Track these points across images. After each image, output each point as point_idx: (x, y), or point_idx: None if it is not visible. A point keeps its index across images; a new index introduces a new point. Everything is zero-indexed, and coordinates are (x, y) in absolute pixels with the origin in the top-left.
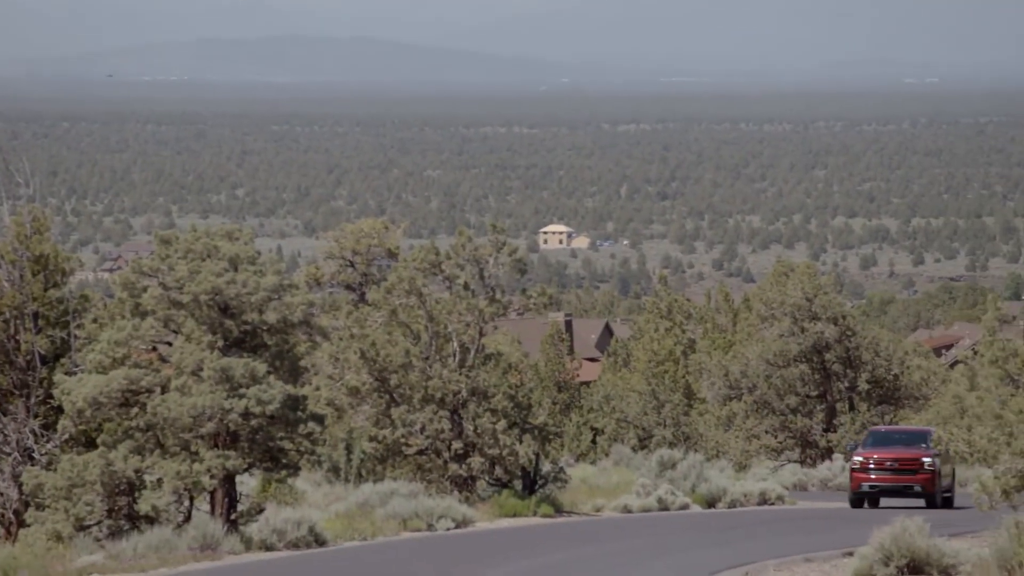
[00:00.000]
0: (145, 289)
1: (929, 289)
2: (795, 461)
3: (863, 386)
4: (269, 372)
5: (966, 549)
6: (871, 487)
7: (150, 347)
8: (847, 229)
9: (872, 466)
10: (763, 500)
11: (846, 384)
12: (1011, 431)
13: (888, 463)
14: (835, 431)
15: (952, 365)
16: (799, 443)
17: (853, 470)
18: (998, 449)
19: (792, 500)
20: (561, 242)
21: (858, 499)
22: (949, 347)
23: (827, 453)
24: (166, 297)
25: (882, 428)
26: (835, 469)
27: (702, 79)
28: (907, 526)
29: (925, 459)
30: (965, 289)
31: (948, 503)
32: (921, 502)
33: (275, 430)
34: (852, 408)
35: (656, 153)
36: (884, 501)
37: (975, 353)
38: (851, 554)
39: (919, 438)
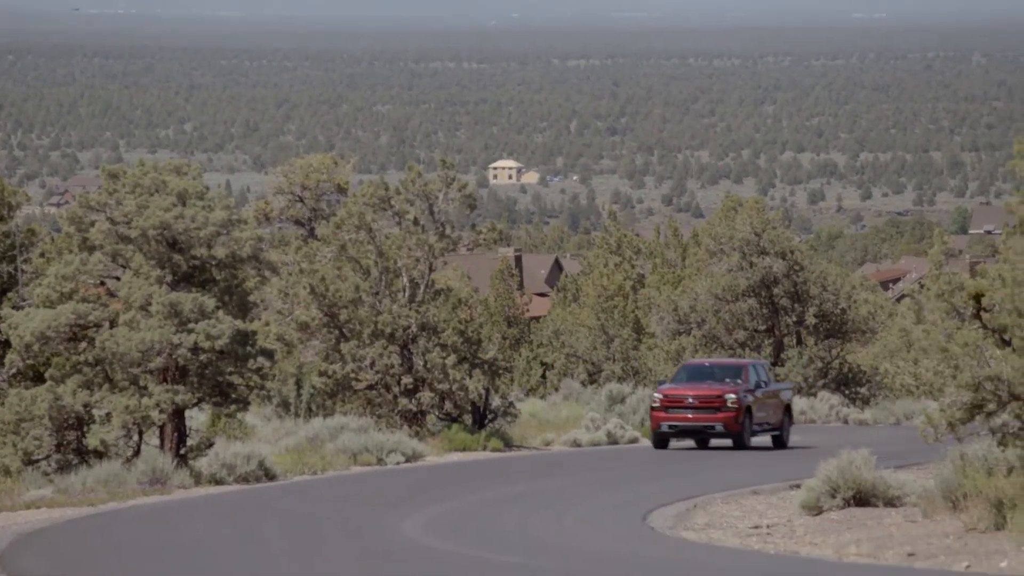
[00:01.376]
0: (93, 224)
1: (877, 224)
2: None
3: (811, 320)
4: (218, 307)
5: (912, 481)
6: (670, 427)
7: (98, 282)
8: (795, 164)
9: (671, 404)
10: None
11: (794, 318)
12: (956, 364)
13: (689, 400)
14: (783, 365)
15: (899, 299)
16: None
17: (652, 408)
18: (944, 382)
19: None
20: (511, 177)
21: (660, 440)
22: (896, 281)
23: None
24: (114, 232)
25: (695, 361)
26: None
27: (652, 14)
28: (853, 459)
29: (729, 396)
30: (912, 223)
31: (779, 442)
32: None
33: (224, 365)
34: (800, 342)
35: (606, 88)
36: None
37: (921, 287)
38: (798, 486)
39: (732, 372)
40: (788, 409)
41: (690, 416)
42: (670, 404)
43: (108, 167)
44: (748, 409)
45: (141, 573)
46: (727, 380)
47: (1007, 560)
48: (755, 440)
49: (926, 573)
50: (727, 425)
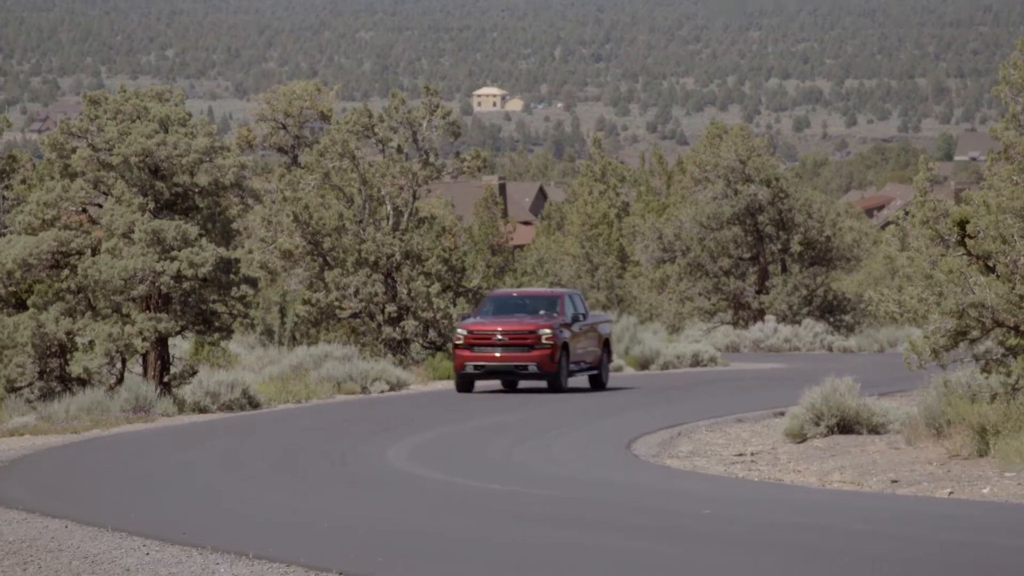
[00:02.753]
0: (74, 150)
1: (862, 150)
2: (728, 323)
3: (795, 248)
4: (201, 235)
5: (895, 408)
6: (476, 367)
7: (80, 209)
8: (781, 91)
9: (476, 341)
10: (696, 362)
11: (779, 246)
12: (941, 291)
13: (497, 337)
14: (767, 293)
15: (883, 226)
16: (732, 305)
17: (455, 347)
18: (928, 309)
19: (725, 362)
20: (495, 104)
21: (464, 382)
22: (881, 208)
23: (759, 315)
24: (96, 158)
25: (502, 292)
26: (767, 330)
27: None
28: (837, 386)
29: (543, 331)
30: (897, 150)
31: (598, 382)
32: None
33: (208, 293)
34: (784, 270)
35: (590, 14)
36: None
37: (906, 214)
38: (782, 414)
39: (546, 304)
40: (607, 345)
41: (498, 355)
42: (476, 341)
43: (89, 93)
44: (565, 346)
45: (124, 500)
46: (540, 313)
47: (989, 486)
48: (572, 381)
49: (909, 500)
50: (541, 365)
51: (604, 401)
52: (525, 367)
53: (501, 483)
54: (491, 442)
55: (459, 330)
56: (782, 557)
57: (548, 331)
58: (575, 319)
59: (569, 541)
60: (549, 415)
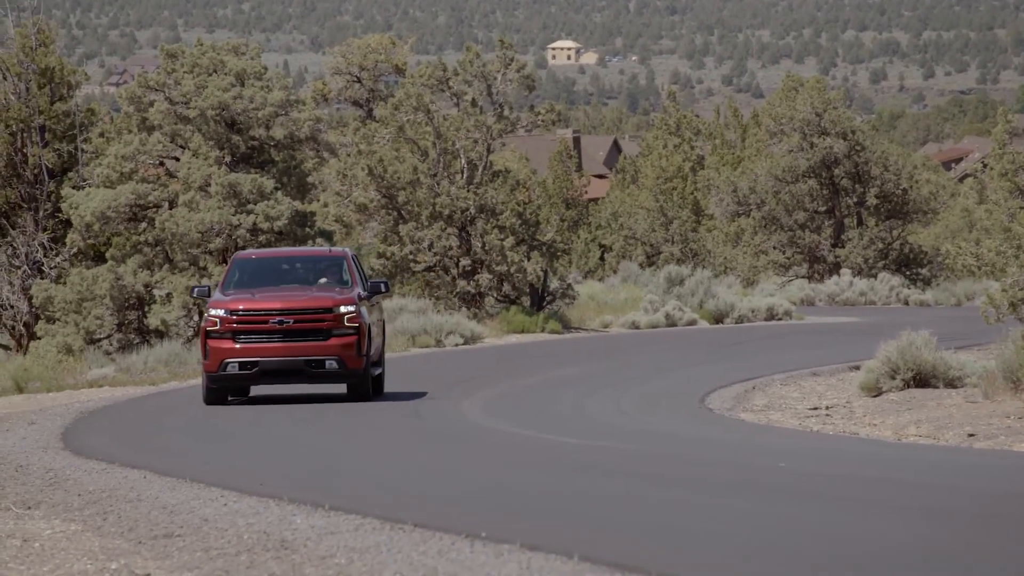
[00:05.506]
0: (152, 104)
1: (939, 103)
2: (803, 276)
3: (871, 201)
4: (277, 188)
5: (972, 361)
6: (245, 365)
7: (157, 162)
8: (857, 43)
9: (242, 326)
10: (770, 315)
11: (854, 199)
12: (1019, 244)
13: (276, 319)
14: (843, 246)
15: (961, 179)
16: (807, 258)
17: (208, 335)
18: (1006, 262)
19: (799, 315)
20: (569, 58)
21: (220, 389)
22: (958, 161)
23: (835, 268)
24: (172, 112)
25: (258, 253)
26: (843, 284)
27: None
28: (913, 339)
29: (343, 308)
30: (975, 102)
31: (378, 386)
32: (338, 387)
33: (283, 246)
34: (860, 223)
35: None
36: (270, 389)
37: (984, 166)
38: (858, 368)
39: (328, 268)
40: (383, 328)
41: (279, 345)
42: (242, 326)
43: (167, 47)
44: (369, 331)
45: (202, 451)
46: (322, 282)
47: None
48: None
49: (986, 453)
50: (345, 359)
51: (676, 354)
52: (320, 363)
53: (575, 436)
54: (563, 395)
55: (212, 311)
56: (857, 511)
57: (350, 308)
58: (373, 291)
59: (646, 495)
60: (620, 367)
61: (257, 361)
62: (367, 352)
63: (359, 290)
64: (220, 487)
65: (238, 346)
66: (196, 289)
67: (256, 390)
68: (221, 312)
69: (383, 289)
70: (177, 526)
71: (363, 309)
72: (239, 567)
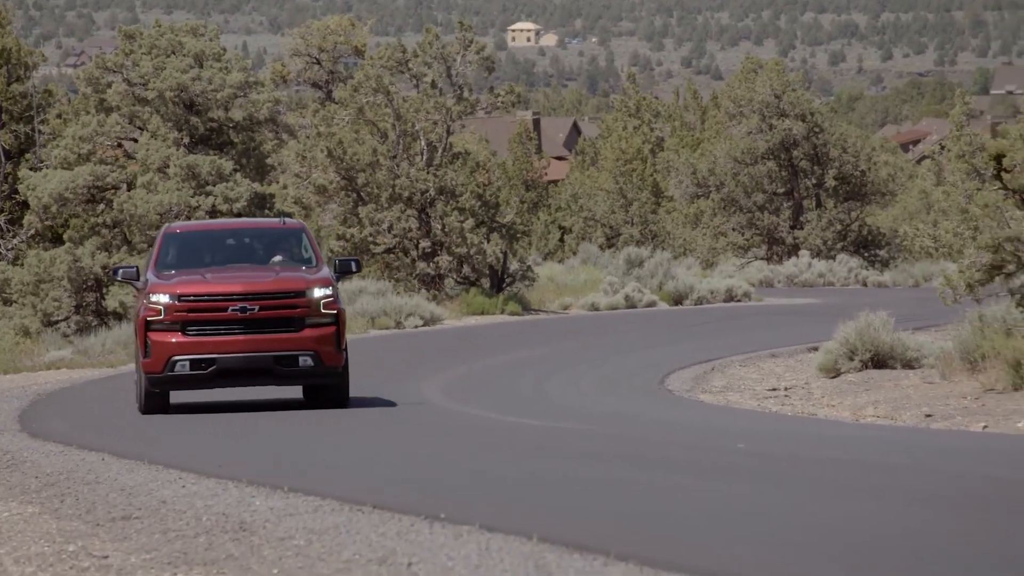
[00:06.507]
0: (109, 85)
1: (897, 85)
2: (761, 258)
3: (830, 183)
4: (236, 169)
5: (930, 342)
6: (197, 364)
7: (115, 143)
8: (816, 25)
9: (192, 314)
10: (729, 297)
11: (813, 181)
12: (976, 225)
13: (235, 306)
14: (802, 228)
15: (919, 161)
16: (766, 240)
17: (149, 327)
18: (963, 243)
19: (758, 297)
20: (529, 40)
21: (161, 396)
22: (916, 143)
23: (794, 250)
24: (131, 93)
25: (191, 227)
26: (801, 265)
27: None
28: (871, 321)
29: (318, 291)
30: (933, 84)
31: (344, 387)
32: (292, 391)
33: None
34: (819, 205)
35: None
36: (226, 392)
37: (942, 148)
38: (816, 349)
39: (285, 243)
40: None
41: (241, 338)
42: (192, 315)
43: (124, 28)
44: (345, 318)
45: (161, 433)
46: (277, 260)
47: None
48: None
49: (943, 434)
50: (322, 354)
51: (635, 335)
52: (292, 360)
53: (535, 418)
54: (524, 376)
55: (153, 296)
56: (816, 491)
57: (327, 292)
58: (343, 270)
59: (604, 476)
60: (580, 349)
61: (214, 358)
62: (344, 347)
63: (324, 269)
64: (178, 469)
65: (189, 339)
66: (120, 270)
67: (185, 397)
68: (165, 298)
69: (354, 269)
70: (135, 508)
71: (339, 293)
72: (197, 549)
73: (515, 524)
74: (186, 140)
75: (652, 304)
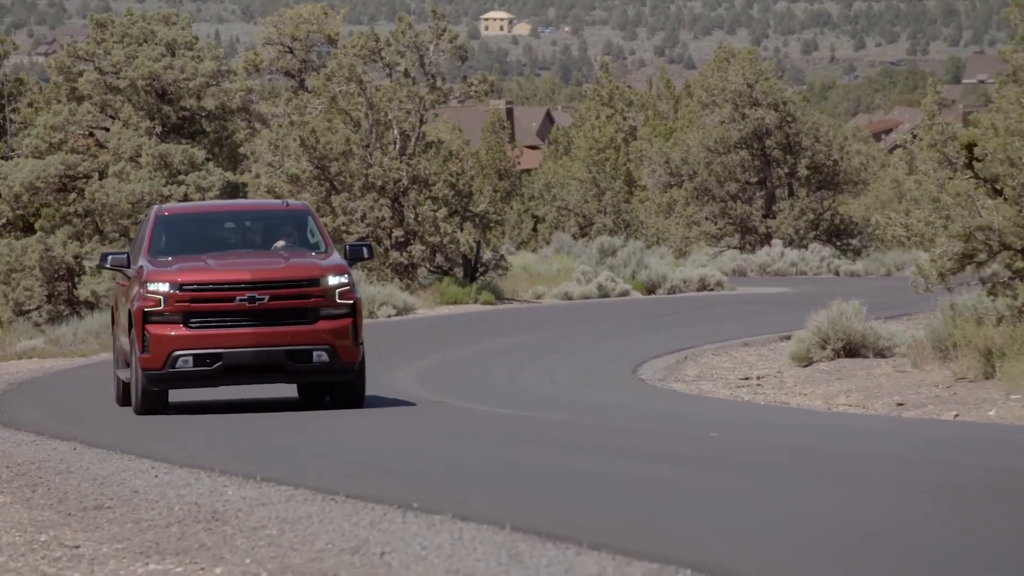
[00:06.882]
0: (81, 73)
1: (870, 74)
2: (734, 247)
3: (803, 172)
4: (208, 158)
5: (902, 331)
6: (201, 359)
7: (87, 132)
8: (789, 14)
9: (197, 304)
10: (702, 286)
11: (786, 170)
12: (948, 214)
13: (243, 296)
14: (774, 217)
15: (891, 150)
16: (738, 229)
17: (147, 319)
18: (935, 232)
19: (731, 286)
20: (502, 28)
21: (160, 395)
22: (889, 132)
23: (766, 239)
24: (102, 82)
25: (184, 209)
26: (774, 254)
27: None
28: (843, 310)
29: (333, 279)
30: (905, 73)
31: (361, 385)
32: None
33: None
34: (792, 194)
35: None
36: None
37: (914, 137)
38: (788, 338)
39: (284, 226)
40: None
41: (250, 331)
42: (196, 305)
43: (96, 16)
44: (361, 309)
45: (133, 423)
46: (280, 245)
47: (995, 409)
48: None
49: (915, 422)
50: (339, 349)
51: (608, 325)
52: (307, 355)
53: (508, 407)
54: (497, 365)
55: (151, 285)
56: (789, 479)
57: (343, 280)
58: (354, 257)
59: (577, 465)
60: (553, 338)
61: (220, 353)
62: (361, 340)
63: (334, 255)
64: (151, 459)
65: (191, 333)
66: (110, 256)
67: (179, 397)
68: (164, 287)
69: (365, 255)
70: (107, 498)
71: (353, 281)
72: (170, 539)
73: (488, 513)
74: (158, 129)
75: (625, 293)
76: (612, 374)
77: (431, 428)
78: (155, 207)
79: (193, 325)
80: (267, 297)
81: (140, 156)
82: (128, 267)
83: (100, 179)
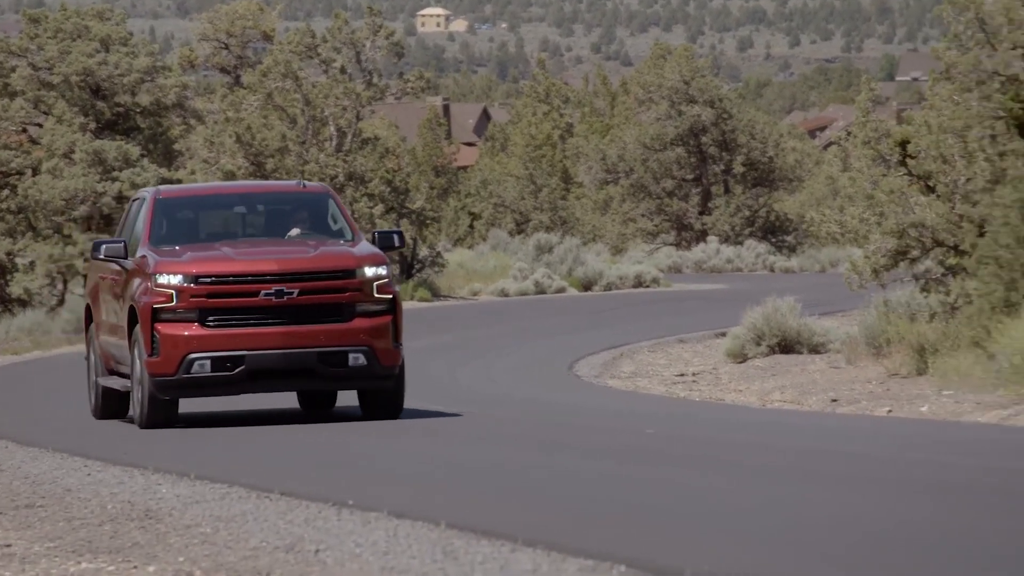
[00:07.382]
0: (14, 69)
1: (805, 71)
2: (670, 244)
3: (738, 169)
4: (143, 155)
5: (836, 328)
6: (220, 363)
7: (20, 128)
8: (724, 11)
9: (215, 299)
10: (638, 283)
11: (722, 167)
12: (881, 211)
13: (268, 290)
14: (710, 214)
15: (826, 147)
16: (674, 226)
17: (157, 317)
18: (868, 229)
19: (667, 283)
20: (439, 25)
21: (171, 404)
22: (823, 129)
23: (702, 236)
24: (36, 78)
25: (187, 191)
26: (710, 251)
27: None
28: (778, 306)
29: (370, 269)
30: (840, 70)
31: (399, 392)
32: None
33: None
34: (727, 191)
35: None
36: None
37: (848, 135)
38: (723, 334)
39: (302, 211)
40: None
41: (276, 330)
42: (214, 300)
43: (29, 11)
44: (401, 303)
45: (65, 421)
46: (295, 234)
47: (928, 404)
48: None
49: (848, 418)
50: (377, 351)
51: (545, 322)
52: (342, 357)
53: (448, 405)
54: (434, 362)
55: (162, 278)
56: (723, 474)
57: (380, 271)
58: (384, 246)
59: (512, 461)
60: (490, 335)
61: (242, 355)
62: (401, 341)
63: (362, 242)
64: (83, 457)
65: (209, 332)
66: (104, 245)
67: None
68: (177, 279)
69: (397, 243)
70: (39, 496)
71: (390, 272)
72: (103, 537)
73: (424, 510)
74: (92, 125)
75: (562, 290)
76: (549, 371)
77: (369, 426)
78: (149, 189)
79: (211, 324)
80: (296, 291)
81: (74, 152)
82: (125, 257)
83: (33, 175)
